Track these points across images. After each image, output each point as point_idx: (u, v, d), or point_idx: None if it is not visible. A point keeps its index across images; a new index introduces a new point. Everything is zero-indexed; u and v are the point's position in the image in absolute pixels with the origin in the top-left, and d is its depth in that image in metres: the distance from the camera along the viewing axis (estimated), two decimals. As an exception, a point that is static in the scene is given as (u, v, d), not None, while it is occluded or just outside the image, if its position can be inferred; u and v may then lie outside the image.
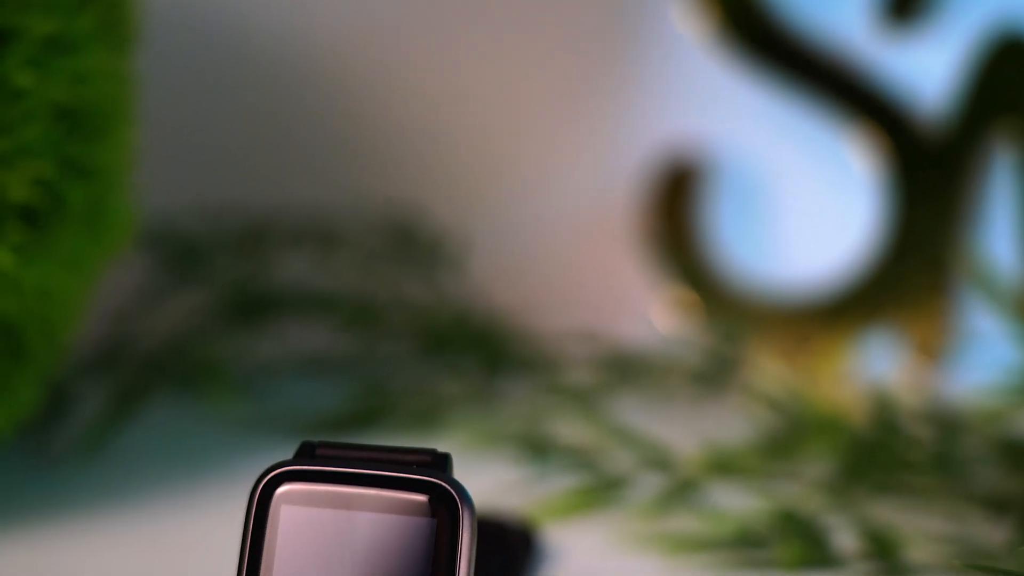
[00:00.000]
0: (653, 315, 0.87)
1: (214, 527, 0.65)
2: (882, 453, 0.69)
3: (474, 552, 0.45)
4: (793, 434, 0.72)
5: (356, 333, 0.85)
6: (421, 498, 0.45)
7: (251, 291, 0.84)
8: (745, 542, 0.62)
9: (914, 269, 0.84)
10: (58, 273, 0.61)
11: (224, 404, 0.77)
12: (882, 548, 0.61)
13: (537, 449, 0.71)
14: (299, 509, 0.46)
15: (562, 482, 0.68)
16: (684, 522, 0.64)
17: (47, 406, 0.71)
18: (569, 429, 0.74)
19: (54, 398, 0.73)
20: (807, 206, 0.87)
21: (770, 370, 0.82)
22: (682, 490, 0.67)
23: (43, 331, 0.62)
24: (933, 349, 0.83)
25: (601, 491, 0.67)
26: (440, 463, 0.46)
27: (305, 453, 0.47)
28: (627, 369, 0.81)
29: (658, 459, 0.69)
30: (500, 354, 0.84)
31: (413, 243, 0.87)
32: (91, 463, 0.72)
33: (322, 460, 0.46)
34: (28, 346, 0.62)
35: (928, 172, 0.84)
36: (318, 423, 0.75)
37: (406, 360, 0.85)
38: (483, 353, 0.84)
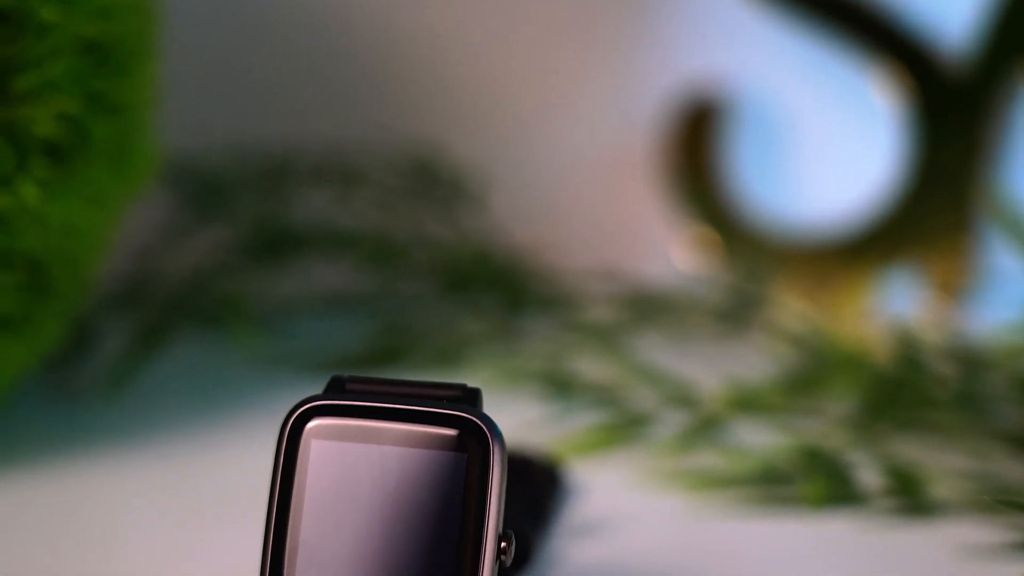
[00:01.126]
0: (673, 253, 0.87)
1: (237, 462, 0.66)
2: (905, 390, 0.69)
3: (504, 487, 0.45)
4: (816, 371, 0.72)
5: (377, 271, 0.85)
6: (452, 433, 0.45)
7: (273, 228, 0.84)
8: (769, 479, 0.62)
9: (936, 207, 0.83)
10: (83, 209, 0.61)
11: (246, 341, 0.77)
12: (906, 485, 0.61)
13: (560, 386, 0.71)
14: (329, 443, 0.45)
15: (585, 419, 0.68)
16: (707, 459, 0.65)
17: (71, 342, 0.71)
18: (591, 367, 0.74)
19: (78, 334, 0.73)
20: (829, 144, 0.87)
21: (792, 308, 0.82)
22: (705, 427, 0.67)
23: (68, 267, 0.62)
24: (954, 287, 0.83)
25: (624, 428, 0.67)
26: (470, 398, 0.46)
27: (335, 388, 0.47)
28: (649, 307, 0.81)
29: (681, 396, 0.69)
30: (521, 292, 0.84)
31: (434, 181, 0.87)
32: (115, 399, 0.72)
33: (352, 395, 0.46)
34: (53, 282, 0.62)
35: (951, 110, 0.83)
36: (340, 360, 0.75)
37: (427, 298, 0.85)
38: (504, 291, 0.84)
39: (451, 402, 0.46)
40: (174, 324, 0.78)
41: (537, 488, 0.57)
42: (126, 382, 0.73)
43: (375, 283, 0.85)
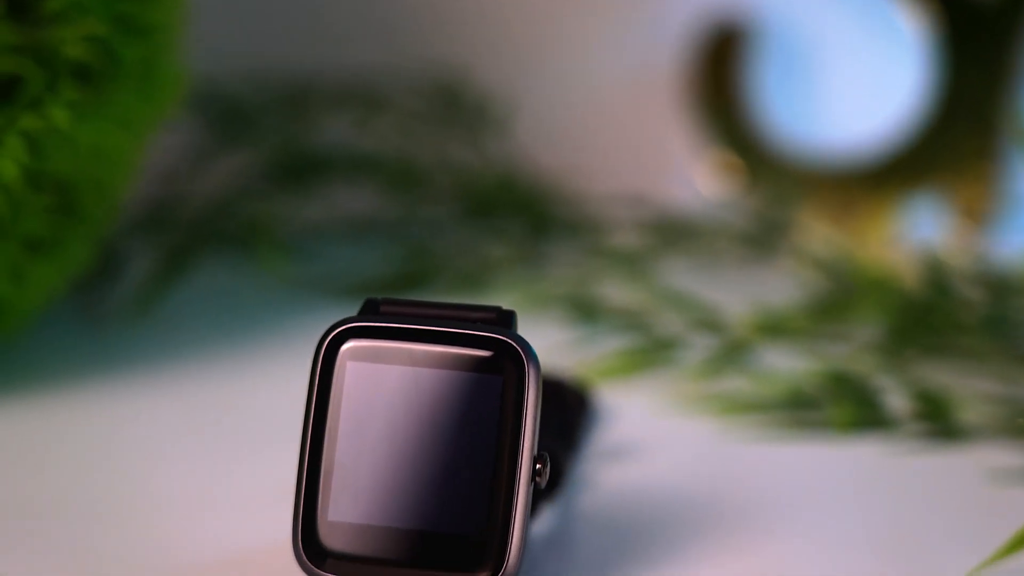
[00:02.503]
0: (698, 179, 0.87)
1: (263, 385, 0.66)
2: (933, 315, 0.69)
3: (539, 410, 0.45)
4: (843, 296, 0.72)
5: (400, 196, 0.84)
6: (487, 355, 0.45)
7: (297, 153, 0.83)
8: (796, 403, 0.62)
9: (961, 133, 0.83)
10: (112, 131, 0.61)
11: (272, 265, 0.77)
12: (934, 409, 0.61)
13: (586, 311, 0.71)
14: (364, 365, 0.45)
15: (612, 344, 0.68)
16: (735, 383, 0.65)
17: (98, 266, 0.71)
18: (617, 292, 0.74)
19: (105, 258, 0.73)
20: (854, 69, 0.86)
21: (818, 233, 0.82)
22: (733, 352, 0.67)
23: (96, 190, 0.62)
24: (979, 213, 0.82)
25: (652, 353, 0.67)
26: (505, 320, 0.46)
27: (369, 310, 0.47)
28: (674, 232, 0.81)
29: (708, 321, 0.69)
30: (545, 217, 0.84)
31: (458, 105, 0.86)
32: (141, 322, 0.72)
33: (387, 317, 0.46)
34: (82, 205, 0.62)
35: (977, 35, 0.83)
36: (365, 285, 0.75)
37: (451, 223, 0.84)
38: (528, 216, 0.84)
39: (486, 324, 0.46)
40: (199, 248, 0.78)
41: (567, 412, 0.57)
42: (152, 306, 0.73)
43: (398, 208, 0.85)
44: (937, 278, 0.72)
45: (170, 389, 0.65)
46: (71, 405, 0.63)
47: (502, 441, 0.45)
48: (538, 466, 0.45)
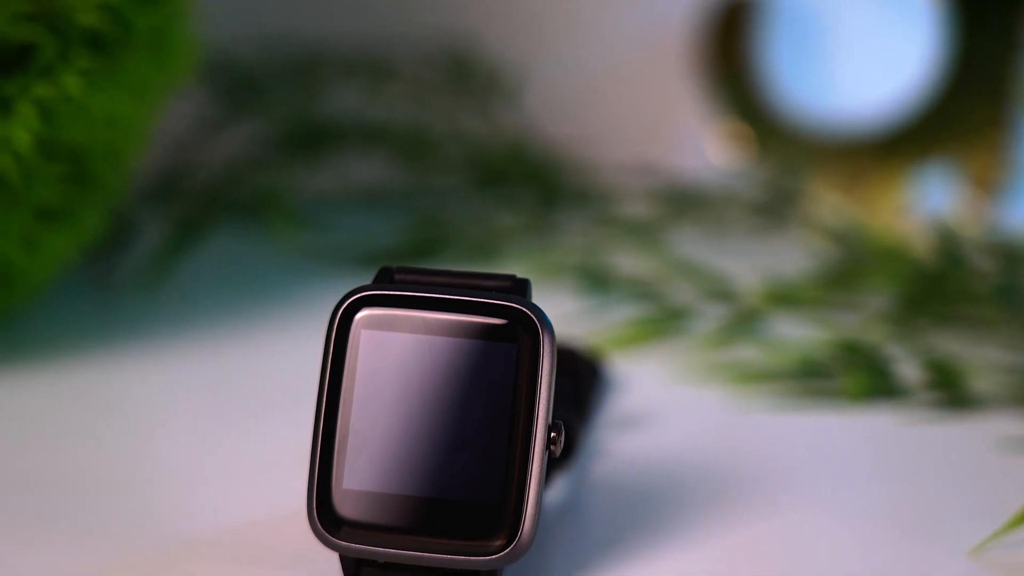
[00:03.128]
0: (708, 148, 0.86)
1: (274, 354, 0.66)
2: (944, 284, 0.69)
3: (554, 378, 0.45)
4: (854, 266, 0.72)
5: (410, 165, 0.84)
6: (502, 323, 0.45)
7: (307, 122, 0.83)
8: (808, 372, 0.62)
9: (972, 103, 0.83)
10: (124, 99, 0.61)
11: (283, 234, 0.77)
12: (945, 378, 0.61)
13: (598, 281, 0.71)
14: (379, 333, 0.45)
15: (624, 313, 0.68)
16: (746, 353, 0.65)
17: (110, 235, 0.71)
18: (628, 261, 0.74)
19: (117, 227, 0.73)
20: (865, 38, 0.86)
21: (829, 202, 0.82)
22: (744, 321, 0.67)
23: (109, 158, 0.62)
24: (990, 182, 0.82)
25: (663, 322, 0.67)
26: (520, 288, 0.46)
27: (384, 278, 0.46)
28: (685, 202, 0.81)
29: (719, 291, 0.69)
30: (555, 186, 0.84)
31: (469, 74, 0.86)
32: (153, 291, 0.72)
33: (401, 285, 0.46)
34: (95, 173, 0.62)
35: (989, 5, 0.83)
36: (376, 254, 0.75)
37: (461, 192, 0.84)
38: (538, 185, 0.83)
39: (500, 293, 0.46)
40: (210, 217, 0.78)
41: (579, 381, 0.57)
42: (164, 275, 0.73)
43: (409, 177, 0.85)
44: (948, 247, 0.72)
45: (182, 358, 0.65)
46: (83, 374, 0.63)
47: (517, 409, 0.45)
48: (553, 434, 0.45)
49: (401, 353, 0.45)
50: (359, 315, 0.45)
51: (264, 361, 0.65)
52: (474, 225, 0.80)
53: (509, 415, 0.45)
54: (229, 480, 0.53)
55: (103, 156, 0.62)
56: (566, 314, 0.66)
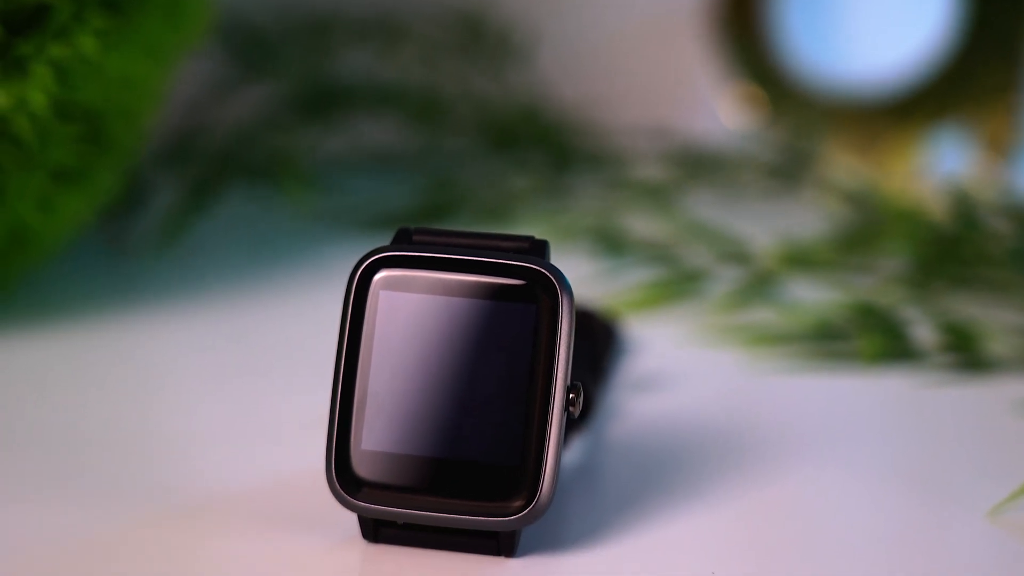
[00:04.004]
0: (721, 111, 0.86)
1: (288, 315, 0.66)
2: (959, 247, 0.69)
3: (573, 339, 0.45)
4: (869, 228, 0.72)
5: (422, 128, 0.84)
6: (520, 284, 0.45)
7: (319, 84, 0.83)
8: (823, 335, 0.62)
9: (986, 65, 0.83)
10: (139, 60, 0.61)
11: (296, 196, 0.77)
12: (961, 341, 0.61)
13: (612, 243, 0.71)
14: (397, 295, 0.45)
15: (638, 276, 0.68)
16: (762, 315, 0.65)
17: (124, 196, 0.71)
18: (642, 224, 0.74)
19: (131, 188, 0.73)
20: (879, 1, 0.86)
21: (843, 165, 0.81)
22: (759, 284, 0.67)
23: (124, 119, 0.62)
24: (1003, 145, 0.82)
25: (678, 284, 0.67)
26: (538, 249, 0.46)
27: (402, 239, 0.46)
28: (698, 164, 0.81)
29: (734, 253, 0.69)
30: (568, 149, 0.83)
31: (481, 36, 0.86)
32: (167, 253, 0.72)
33: (419, 246, 0.46)
34: (110, 134, 0.62)
35: (1003, -34, 0.83)
36: (389, 216, 0.75)
37: (473, 155, 0.84)
38: (551, 148, 0.83)
39: (519, 254, 0.46)
40: (224, 179, 0.78)
41: (595, 343, 0.57)
42: (178, 237, 0.73)
43: (421, 140, 0.84)
44: (963, 210, 0.71)
45: (195, 319, 0.65)
46: (97, 335, 0.63)
47: (536, 370, 0.44)
48: (571, 395, 0.45)
49: (420, 314, 0.45)
50: (377, 276, 0.45)
51: (277, 322, 0.65)
52: (486, 188, 0.80)
53: (528, 376, 0.44)
54: (244, 441, 0.53)
55: (118, 117, 0.62)
56: (581, 276, 0.66)
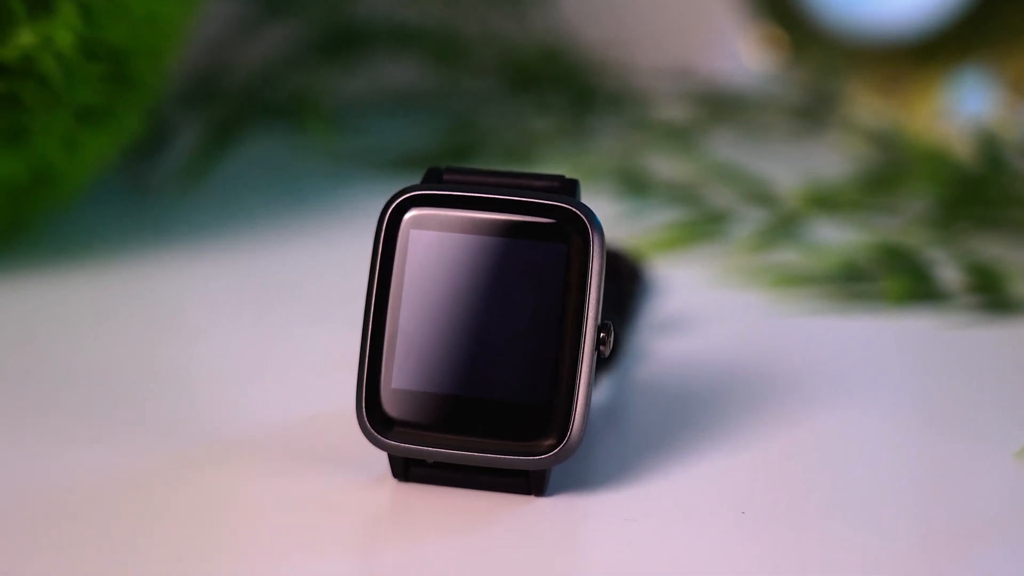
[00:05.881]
0: (743, 51, 0.86)
1: (312, 255, 0.66)
2: (984, 188, 0.68)
3: (603, 278, 0.45)
4: (894, 169, 0.72)
5: (443, 69, 0.84)
6: (552, 222, 0.45)
7: (341, 24, 0.83)
8: (848, 276, 0.62)
9: (1010, 6, 0.82)
10: (164, -1, 0.61)
11: (319, 137, 0.77)
12: (986, 282, 0.61)
13: (635, 184, 0.70)
14: (428, 233, 0.45)
15: (663, 217, 0.68)
16: (787, 256, 0.64)
17: (148, 136, 0.71)
18: (665, 165, 0.74)
19: (155, 128, 0.73)
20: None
21: (868, 106, 0.81)
22: (784, 225, 0.67)
23: (149, 57, 0.62)
24: (1026, 87, 0.82)
25: (703, 226, 0.67)
26: (569, 188, 0.46)
27: (432, 178, 0.46)
28: (721, 105, 0.81)
29: (759, 194, 0.69)
30: (590, 90, 0.83)
31: (501, -25, 0.86)
32: (191, 193, 0.72)
33: (449, 185, 0.46)
34: (135, 72, 0.62)
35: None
36: (411, 157, 0.75)
37: (494, 96, 0.84)
38: (572, 89, 0.83)
39: (549, 193, 0.45)
40: (246, 120, 0.78)
41: (622, 283, 0.57)
42: (201, 177, 0.73)
43: (442, 81, 0.84)
44: (988, 151, 0.71)
45: (220, 259, 0.65)
46: (122, 274, 0.63)
47: (566, 309, 0.44)
48: (602, 335, 0.45)
49: (450, 253, 0.45)
50: (408, 215, 0.45)
51: (301, 262, 0.65)
52: (508, 129, 0.79)
53: (558, 315, 0.44)
54: (272, 381, 0.53)
55: (143, 56, 0.62)
56: (605, 217, 0.65)
